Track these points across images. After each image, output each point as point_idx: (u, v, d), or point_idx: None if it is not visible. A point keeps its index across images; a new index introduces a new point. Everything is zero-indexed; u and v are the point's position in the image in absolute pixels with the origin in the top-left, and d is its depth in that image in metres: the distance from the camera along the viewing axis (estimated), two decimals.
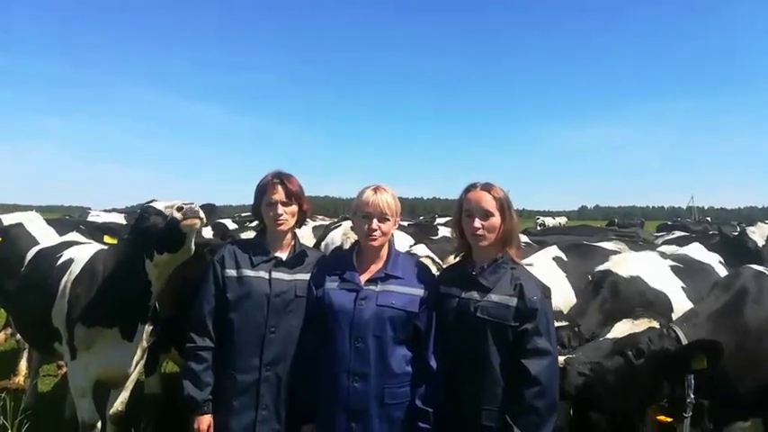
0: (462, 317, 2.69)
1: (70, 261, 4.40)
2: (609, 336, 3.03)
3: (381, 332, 2.71)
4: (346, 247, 5.62)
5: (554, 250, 5.02)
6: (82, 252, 4.45)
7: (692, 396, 2.94)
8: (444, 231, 8.19)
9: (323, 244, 6.10)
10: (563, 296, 4.18)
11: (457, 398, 2.69)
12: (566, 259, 4.87)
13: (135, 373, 4.28)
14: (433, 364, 2.74)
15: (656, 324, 3.06)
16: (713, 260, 4.85)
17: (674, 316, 3.76)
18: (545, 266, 4.53)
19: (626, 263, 4.08)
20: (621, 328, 3.06)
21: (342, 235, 5.96)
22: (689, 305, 3.87)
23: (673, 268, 4.32)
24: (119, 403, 4.41)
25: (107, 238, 4.31)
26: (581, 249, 5.35)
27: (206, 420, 2.87)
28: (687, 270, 4.37)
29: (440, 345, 2.76)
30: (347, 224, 6.33)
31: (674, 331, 3.08)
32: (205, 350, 2.89)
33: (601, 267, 4.10)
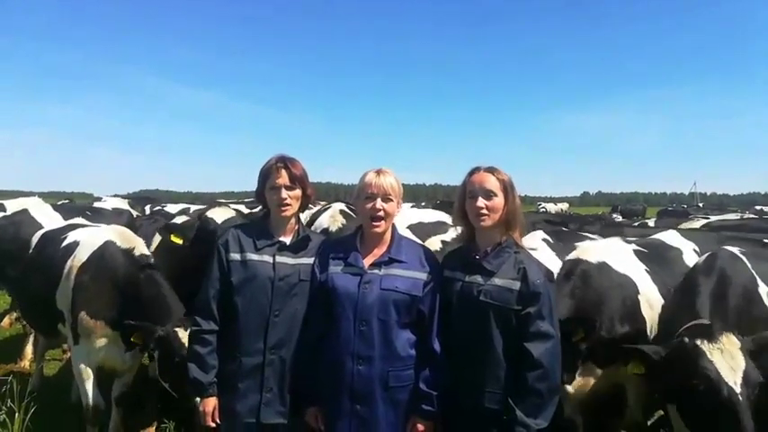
0: (466, 301, 2.70)
1: (75, 244, 4.40)
2: (732, 382, 2.71)
3: (385, 316, 2.72)
4: (333, 230, 5.63)
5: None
6: (88, 236, 4.44)
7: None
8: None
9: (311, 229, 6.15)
10: None
11: (460, 380, 2.72)
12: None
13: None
14: (437, 347, 2.76)
15: (736, 340, 2.84)
16: (686, 246, 4.82)
17: (640, 297, 3.87)
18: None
19: (593, 250, 4.09)
20: (726, 367, 2.76)
21: (329, 218, 5.96)
22: (653, 288, 3.96)
23: (636, 252, 4.35)
24: (123, 386, 4.46)
25: (174, 237, 4.43)
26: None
27: (211, 403, 2.90)
28: (651, 254, 4.40)
29: (444, 328, 2.78)
30: (336, 206, 6.35)
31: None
32: (210, 333, 2.91)
33: (570, 256, 4.10)
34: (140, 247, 4.33)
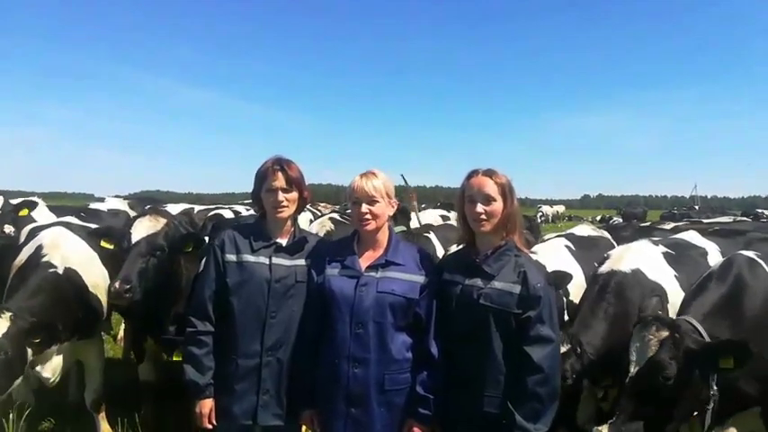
0: (465, 304, 2.68)
1: (30, 242, 4.44)
2: (631, 369, 2.92)
3: (382, 318, 2.71)
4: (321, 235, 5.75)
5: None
6: (39, 236, 4.42)
7: (715, 389, 2.91)
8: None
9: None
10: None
11: (459, 384, 2.70)
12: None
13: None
14: (434, 350, 2.74)
15: (665, 332, 2.92)
16: (711, 247, 4.78)
17: (669, 307, 3.77)
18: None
19: (626, 258, 4.03)
20: (639, 354, 2.93)
21: (317, 224, 6.11)
22: (680, 293, 3.88)
23: (664, 255, 4.30)
24: (92, 392, 4.48)
25: (104, 242, 4.22)
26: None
27: (208, 405, 2.89)
28: (678, 256, 4.36)
29: (443, 331, 2.76)
30: (327, 215, 6.51)
31: (691, 324, 3.03)
32: (205, 334, 2.90)
33: (604, 268, 4.04)
34: (58, 254, 4.24)
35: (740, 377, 3.13)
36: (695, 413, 2.98)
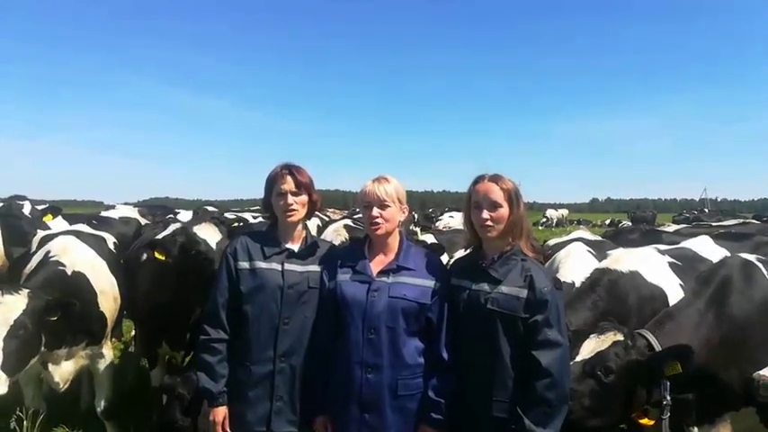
0: (473, 308, 2.69)
1: (40, 249, 4.54)
2: (578, 358, 3.03)
3: (394, 323, 2.72)
4: (336, 243, 5.74)
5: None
6: (49, 244, 4.51)
7: (668, 398, 2.95)
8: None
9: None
10: None
11: (468, 389, 2.70)
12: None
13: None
14: (446, 355, 2.75)
15: (620, 337, 3.06)
16: (718, 254, 4.76)
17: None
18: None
19: (625, 260, 4.04)
20: (588, 348, 3.06)
21: (333, 232, 6.08)
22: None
23: (670, 265, 4.28)
24: (102, 401, 4.54)
25: (158, 254, 4.24)
26: None
27: (221, 412, 2.90)
28: (685, 267, 4.33)
29: (451, 336, 2.77)
30: (341, 222, 6.48)
31: (645, 338, 3.11)
32: (219, 342, 2.91)
33: (601, 265, 4.07)
34: (67, 258, 4.32)
35: (722, 378, 3.16)
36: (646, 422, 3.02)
